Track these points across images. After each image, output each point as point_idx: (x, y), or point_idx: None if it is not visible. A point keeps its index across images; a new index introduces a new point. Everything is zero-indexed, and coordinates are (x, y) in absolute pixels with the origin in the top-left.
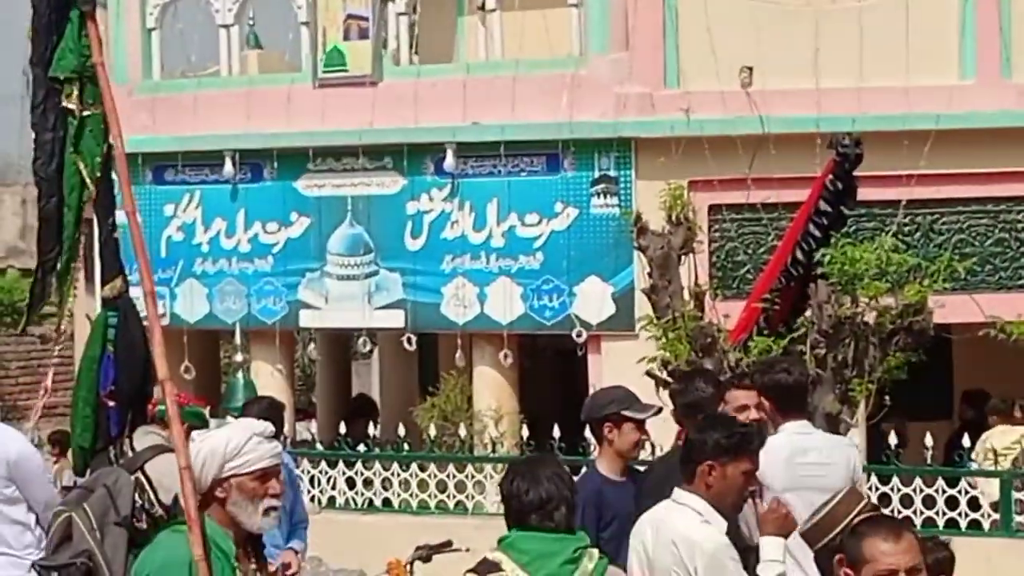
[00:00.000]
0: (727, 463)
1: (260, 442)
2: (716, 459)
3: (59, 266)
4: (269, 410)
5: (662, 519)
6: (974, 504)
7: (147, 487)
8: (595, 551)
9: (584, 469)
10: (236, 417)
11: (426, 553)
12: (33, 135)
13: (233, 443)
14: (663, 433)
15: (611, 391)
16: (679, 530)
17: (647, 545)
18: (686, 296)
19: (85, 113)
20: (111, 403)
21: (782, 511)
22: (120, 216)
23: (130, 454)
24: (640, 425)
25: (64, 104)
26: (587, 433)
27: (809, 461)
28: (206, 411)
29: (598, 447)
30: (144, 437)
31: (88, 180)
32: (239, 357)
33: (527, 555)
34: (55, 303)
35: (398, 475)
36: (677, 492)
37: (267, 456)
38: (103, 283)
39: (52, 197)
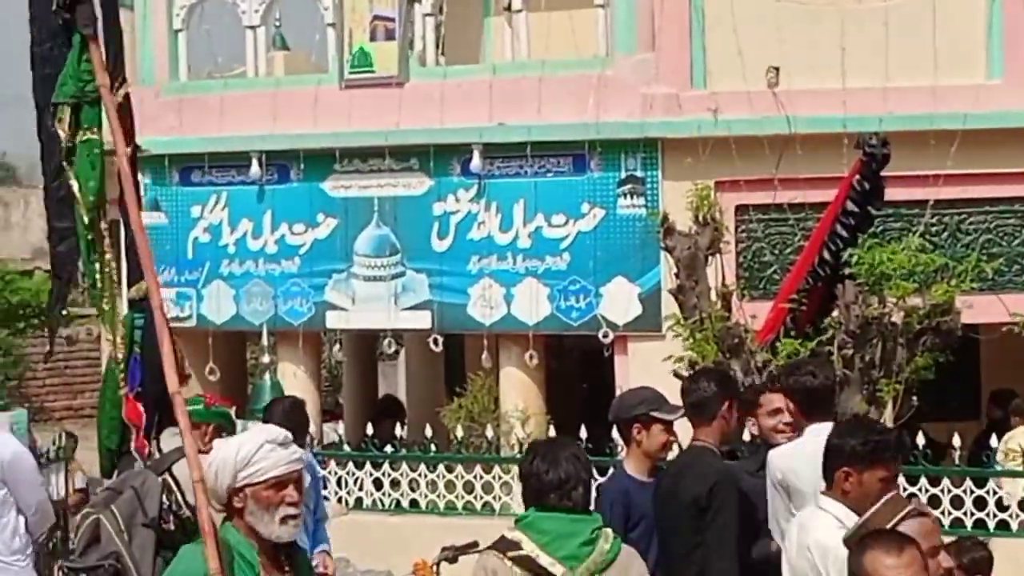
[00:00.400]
0: (863, 470)
1: (272, 449)
2: (852, 465)
3: (91, 287)
4: (292, 409)
5: (804, 523)
6: (1002, 504)
7: (174, 488)
8: (610, 531)
9: (612, 469)
10: (261, 418)
11: (452, 554)
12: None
13: (243, 452)
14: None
15: (640, 392)
16: (815, 536)
17: (792, 547)
18: (713, 297)
19: (84, 138)
20: (138, 404)
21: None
22: (146, 217)
23: (157, 455)
24: (668, 426)
25: (55, 129)
26: (614, 434)
27: None
28: (232, 411)
29: (626, 448)
30: (171, 438)
31: (82, 207)
32: (266, 359)
33: (547, 535)
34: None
35: (425, 476)
36: (820, 497)
37: (281, 464)
38: (129, 285)
39: (58, 224)
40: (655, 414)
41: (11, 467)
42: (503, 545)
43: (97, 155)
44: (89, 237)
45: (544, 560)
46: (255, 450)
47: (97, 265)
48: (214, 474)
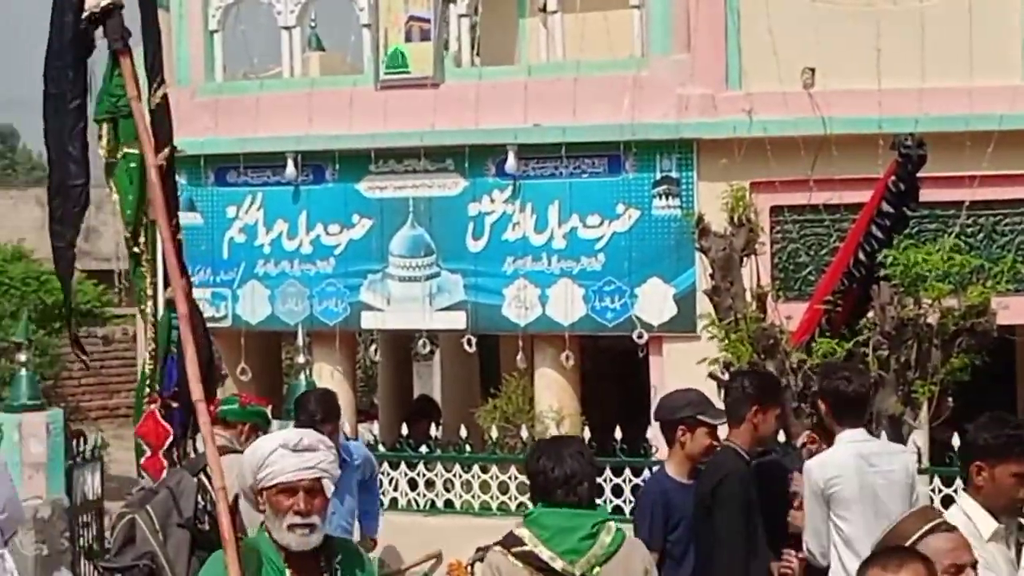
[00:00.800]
0: (995, 464)
1: (284, 455)
2: (984, 459)
3: (138, 301)
4: (322, 399)
5: None
6: None
7: (209, 488)
8: (612, 524)
9: (646, 471)
10: (293, 415)
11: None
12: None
13: (259, 453)
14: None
15: (686, 393)
16: None
17: None
18: (748, 298)
19: (122, 153)
20: (174, 404)
21: None
22: (182, 218)
23: (193, 455)
24: (713, 431)
25: (98, 149)
26: (649, 434)
27: (875, 469)
28: (268, 410)
29: (668, 448)
30: None
31: (121, 221)
32: (301, 359)
33: (548, 530)
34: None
35: (460, 476)
36: (959, 492)
37: (289, 470)
38: (166, 285)
39: (56, 243)
40: (701, 417)
41: None
42: (508, 541)
43: (135, 168)
44: (135, 250)
45: (545, 555)
46: (268, 453)
47: (146, 279)
48: (238, 475)
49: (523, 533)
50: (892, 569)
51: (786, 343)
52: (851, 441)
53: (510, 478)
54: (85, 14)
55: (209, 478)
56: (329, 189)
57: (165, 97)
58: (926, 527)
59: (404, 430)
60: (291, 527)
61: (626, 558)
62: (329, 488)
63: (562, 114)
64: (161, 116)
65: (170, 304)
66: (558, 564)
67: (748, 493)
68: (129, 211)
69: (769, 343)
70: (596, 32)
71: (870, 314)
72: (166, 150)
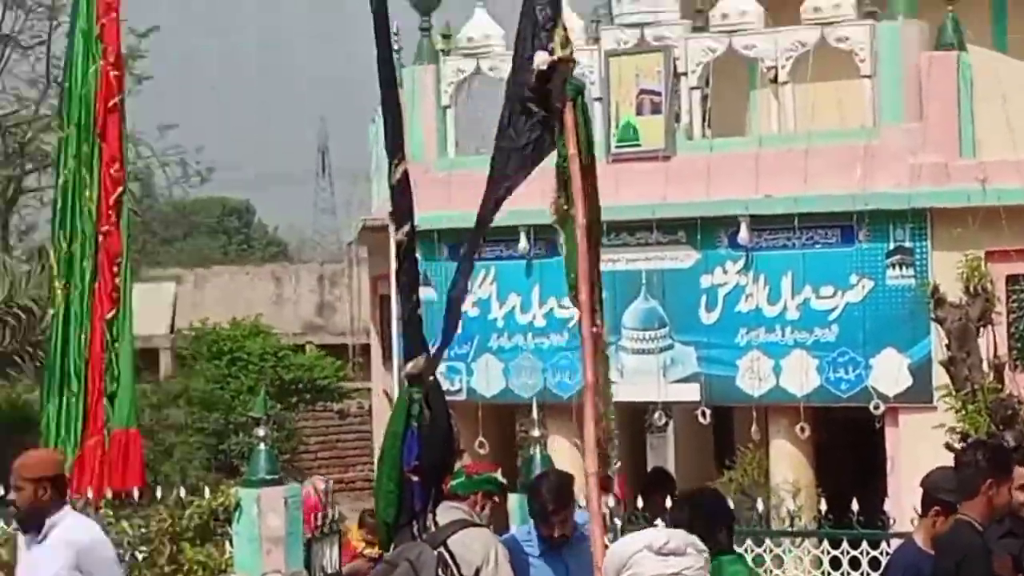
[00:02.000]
0: None
1: (647, 556)
2: None
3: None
4: (554, 488)
5: None
6: None
7: (450, 562)
8: None
9: (883, 543)
10: (528, 492)
11: None
12: None
13: (621, 554)
14: None
15: (954, 478)
16: None
17: None
18: (985, 368)
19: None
20: (415, 478)
21: None
22: (423, 292)
23: (433, 529)
24: None
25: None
26: (886, 507)
27: None
28: (498, 474)
29: (921, 518)
30: (447, 512)
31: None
32: (536, 432)
33: None
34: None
35: None
36: None
37: (653, 573)
38: (406, 360)
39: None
40: (959, 507)
41: (88, 554)
42: None
43: (572, 230)
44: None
45: None
46: (631, 554)
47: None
48: (604, 568)
49: None
50: None
51: None
52: None
53: (746, 551)
54: (534, 69)
55: (450, 551)
56: (561, 262)
57: (405, 173)
58: None
59: (640, 503)
60: None
61: None
62: None
63: (793, 184)
64: (401, 192)
65: (410, 380)
66: None
67: (989, 570)
68: (572, 273)
69: (1007, 414)
70: (827, 102)
71: None
72: (406, 226)
